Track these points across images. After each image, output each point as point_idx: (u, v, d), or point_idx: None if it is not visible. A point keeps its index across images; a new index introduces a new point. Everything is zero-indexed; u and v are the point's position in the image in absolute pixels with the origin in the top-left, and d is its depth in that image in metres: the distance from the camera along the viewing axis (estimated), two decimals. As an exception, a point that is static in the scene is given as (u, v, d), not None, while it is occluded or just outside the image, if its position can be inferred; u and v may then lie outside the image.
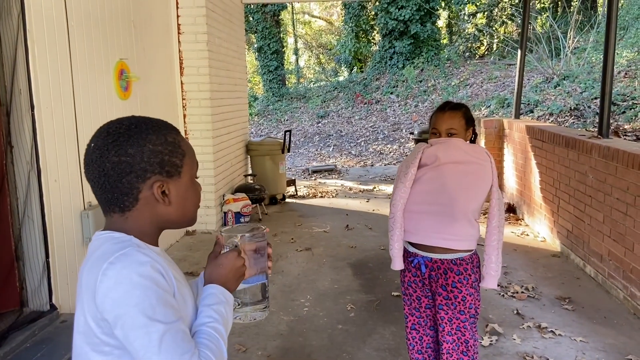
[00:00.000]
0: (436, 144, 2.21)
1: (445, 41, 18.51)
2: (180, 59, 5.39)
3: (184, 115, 5.47)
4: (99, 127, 1.09)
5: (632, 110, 8.87)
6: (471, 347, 2.26)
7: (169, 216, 1.11)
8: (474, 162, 2.18)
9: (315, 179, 8.84)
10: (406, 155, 10.45)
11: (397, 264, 2.30)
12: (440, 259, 2.20)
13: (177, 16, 5.32)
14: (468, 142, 2.26)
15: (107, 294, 0.97)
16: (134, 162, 1.04)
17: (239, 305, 1.29)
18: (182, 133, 5.44)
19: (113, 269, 0.98)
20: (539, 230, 5.28)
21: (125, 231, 1.07)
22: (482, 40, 17.76)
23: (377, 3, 16.93)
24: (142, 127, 1.07)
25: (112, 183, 1.04)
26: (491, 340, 3.16)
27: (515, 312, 3.55)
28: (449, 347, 2.24)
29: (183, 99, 5.45)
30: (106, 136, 1.05)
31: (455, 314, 2.22)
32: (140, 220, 1.08)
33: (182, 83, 5.43)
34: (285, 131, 7.09)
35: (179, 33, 5.36)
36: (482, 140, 6.74)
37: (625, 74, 10.35)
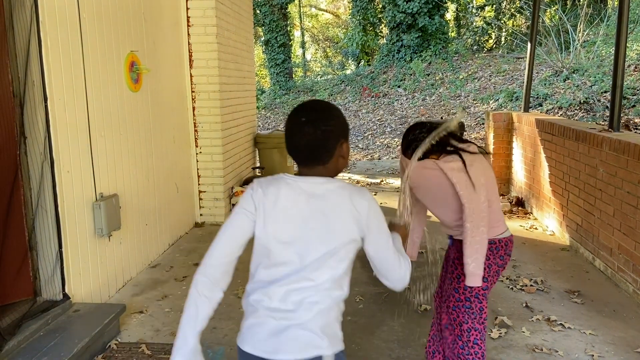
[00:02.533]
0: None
1: (453, 34, 18.41)
2: (189, 52, 5.40)
3: (193, 108, 5.48)
4: (300, 105, 1.50)
5: (643, 104, 8.80)
6: (466, 332, 2.28)
7: (343, 167, 1.53)
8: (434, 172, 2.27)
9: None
10: None
11: None
12: (456, 239, 2.35)
13: (187, 8, 5.32)
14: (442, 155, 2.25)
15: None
16: (334, 129, 1.46)
17: None
18: (191, 126, 5.48)
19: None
20: (548, 223, 5.27)
21: (324, 175, 1.48)
22: (491, 34, 17.65)
23: (385, -4, 16.85)
24: (332, 107, 1.51)
25: (320, 144, 1.44)
26: (500, 333, 3.17)
27: (524, 305, 3.56)
28: (446, 322, 2.38)
29: (192, 92, 5.46)
30: (315, 112, 1.47)
31: (451, 290, 2.33)
32: (331, 170, 1.50)
33: (191, 75, 5.44)
34: (294, 124, 7.09)
35: (188, 25, 5.36)
36: (490, 134, 6.73)
37: (635, 67, 10.27)
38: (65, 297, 3.24)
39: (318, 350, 1.41)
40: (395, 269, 1.54)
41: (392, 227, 1.76)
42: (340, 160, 1.50)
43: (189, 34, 5.38)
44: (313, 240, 1.43)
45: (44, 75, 3.06)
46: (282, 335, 1.41)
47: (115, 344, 3.12)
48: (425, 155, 2.21)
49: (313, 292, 1.42)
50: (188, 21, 5.35)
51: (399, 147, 2.74)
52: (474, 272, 2.17)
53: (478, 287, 2.25)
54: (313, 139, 1.44)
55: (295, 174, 1.52)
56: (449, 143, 2.26)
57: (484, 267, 2.24)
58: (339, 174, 1.56)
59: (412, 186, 2.29)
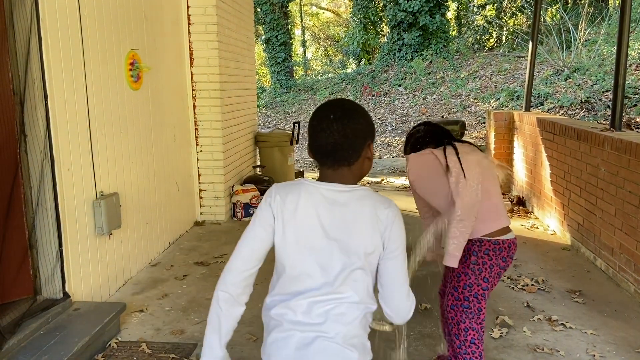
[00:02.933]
0: None
1: (454, 33, 18.38)
2: (190, 50, 5.39)
3: (194, 106, 5.47)
4: (328, 102, 1.45)
5: (644, 103, 8.79)
6: (463, 331, 2.29)
7: (368, 170, 1.47)
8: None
9: (323, 171, 8.83)
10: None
11: None
12: None
13: (188, 7, 5.31)
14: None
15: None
16: (363, 128, 1.40)
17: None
18: (192, 124, 5.47)
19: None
20: (549, 223, 5.26)
21: (349, 179, 1.42)
22: (492, 32, 17.63)
23: (386, -6, 16.82)
24: (360, 106, 1.47)
25: (349, 142, 1.38)
26: (501, 333, 3.16)
27: (525, 304, 3.55)
28: (447, 321, 2.37)
29: (193, 90, 5.45)
30: (343, 110, 1.40)
31: (450, 289, 2.34)
32: (356, 173, 1.43)
33: (192, 74, 5.43)
34: (294, 123, 7.09)
35: (189, 24, 5.35)
36: (491, 133, 6.71)
37: (637, 66, 10.25)
38: (66, 295, 3.23)
39: None
40: (400, 296, 1.44)
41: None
42: (366, 162, 1.44)
43: (189, 32, 5.37)
44: (335, 250, 1.38)
45: (44, 73, 3.05)
46: (309, 347, 1.36)
47: (115, 342, 3.11)
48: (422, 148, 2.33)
49: (338, 304, 1.37)
50: (189, 19, 5.34)
51: (400, 145, 2.78)
52: (453, 253, 2.18)
53: (478, 287, 2.26)
54: (341, 137, 1.37)
55: (316, 179, 1.45)
56: (446, 140, 2.33)
57: (485, 267, 2.25)
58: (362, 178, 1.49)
59: (412, 180, 2.33)
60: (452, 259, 2.20)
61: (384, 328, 1.80)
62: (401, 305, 1.44)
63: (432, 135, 2.34)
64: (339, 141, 1.37)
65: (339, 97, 16.14)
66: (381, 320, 1.75)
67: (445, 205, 2.28)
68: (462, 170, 2.17)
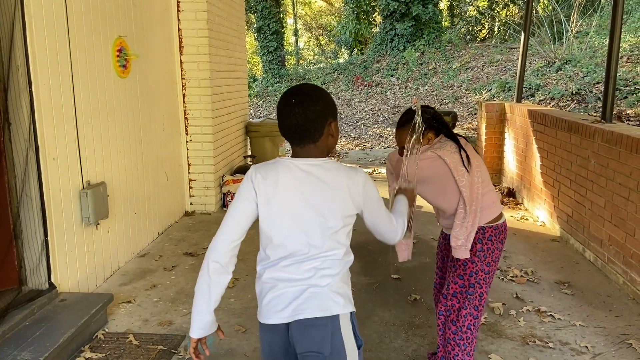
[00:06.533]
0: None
1: (446, 24, 18.33)
2: (179, 38, 5.31)
3: (183, 95, 5.41)
4: (291, 88, 1.59)
5: (635, 95, 8.82)
6: (462, 317, 2.33)
7: (333, 145, 1.62)
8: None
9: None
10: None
11: None
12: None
13: (177, -7, 5.23)
14: (429, 144, 2.30)
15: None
16: (322, 110, 1.56)
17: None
18: (181, 113, 5.40)
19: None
20: (539, 214, 5.28)
21: (317, 154, 1.58)
22: (484, 23, 17.60)
23: (379, -16, 16.72)
24: (319, 88, 1.62)
25: (310, 123, 1.54)
26: (490, 324, 3.16)
27: (514, 295, 3.56)
28: (441, 308, 2.40)
29: (182, 78, 5.38)
30: (303, 94, 1.57)
31: (455, 278, 2.35)
32: (322, 148, 1.59)
33: (181, 62, 5.35)
34: (285, 112, 7.03)
35: (178, 11, 5.27)
36: (483, 124, 6.71)
37: (628, 58, 10.28)
38: (52, 286, 3.19)
39: (335, 308, 1.54)
40: (388, 227, 1.75)
41: (400, 190, 2.02)
42: (330, 138, 1.60)
43: (179, 20, 5.29)
44: (316, 215, 1.55)
45: (28, 60, 2.98)
46: (301, 297, 1.53)
47: (102, 334, 3.08)
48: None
49: (323, 260, 1.56)
50: (178, 6, 5.26)
51: (392, 136, 2.75)
52: (464, 244, 2.26)
53: (482, 272, 2.31)
54: (303, 119, 1.54)
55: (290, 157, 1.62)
56: (443, 128, 2.33)
57: (489, 253, 2.33)
58: (330, 153, 1.67)
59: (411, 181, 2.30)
60: (464, 251, 2.28)
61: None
62: (390, 232, 1.78)
63: (437, 121, 2.33)
64: (301, 122, 1.54)
65: (330, 87, 16.08)
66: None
67: (447, 203, 2.31)
68: (469, 165, 2.24)
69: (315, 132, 1.56)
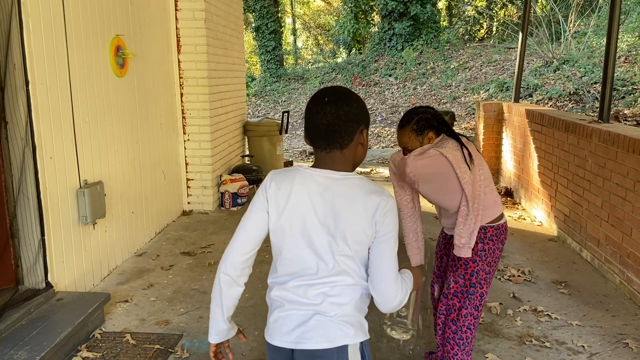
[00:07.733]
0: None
1: (445, 23, 18.35)
2: (177, 37, 5.30)
3: (181, 94, 5.40)
4: (325, 88, 1.48)
5: (632, 95, 8.84)
6: (462, 316, 2.34)
7: (361, 157, 1.49)
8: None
9: (312, 161, 8.81)
10: None
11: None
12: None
13: (175, -8, 5.22)
14: (430, 144, 2.30)
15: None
16: (356, 112, 1.43)
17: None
18: (179, 112, 5.40)
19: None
20: (536, 214, 5.29)
21: (342, 164, 1.45)
22: (482, 23, 17.61)
23: (377, -17, 16.71)
24: (355, 93, 1.50)
25: (341, 124, 1.41)
26: (488, 323, 3.16)
27: (511, 295, 3.56)
28: (442, 308, 2.40)
29: (180, 78, 5.38)
30: (338, 94, 1.44)
31: (456, 277, 2.35)
32: (348, 158, 1.45)
33: (179, 61, 5.35)
34: (283, 112, 7.03)
35: (176, 10, 5.26)
36: (480, 124, 6.71)
37: (626, 59, 10.30)
38: (48, 285, 3.18)
39: (344, 339, 1.42)
40: (388, 280, 1.44)
41: (407, 266, 1.78)
42: (359, 148, 1.47)
43: (176, 19, 5.28)
44: (327, 235, 1.42)
45: (25, 59, 2.97)
46: (307, 323, 1.43)
47: (99, 333, 3.07)
48: (421, 133, 2.29)
49: (332, 287, 1.43)
50: (176, 5, 5.25)
51: (390, 136, 2.74)
52: (467, 243, 2.26)
53: (483, 272, 2.32)
54: (335, 118, 1.41)
55: (311, 166, 1.50)
56: (444, 128, 2.33)
57: (490, 252, 2.33)
58: (356, 167, 1.50)
59: (414, 180, 2.31)
60: (467, 250, 2.27)
61: (402, 337, 1.95)
62: (388, 289, 1.44)
63: (438, 120, 2.33)
64: (332, 122, 1.41)
65: (328, 86, 16.08)
66: (394, 324, 1.93)
67: (450, 200, 2.31)
68: (471, 162, 2.24)
69: (346, 135, 1.42)
